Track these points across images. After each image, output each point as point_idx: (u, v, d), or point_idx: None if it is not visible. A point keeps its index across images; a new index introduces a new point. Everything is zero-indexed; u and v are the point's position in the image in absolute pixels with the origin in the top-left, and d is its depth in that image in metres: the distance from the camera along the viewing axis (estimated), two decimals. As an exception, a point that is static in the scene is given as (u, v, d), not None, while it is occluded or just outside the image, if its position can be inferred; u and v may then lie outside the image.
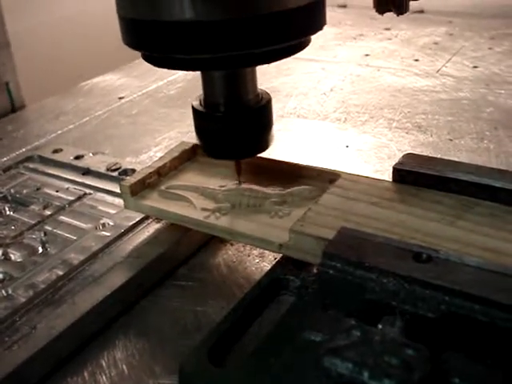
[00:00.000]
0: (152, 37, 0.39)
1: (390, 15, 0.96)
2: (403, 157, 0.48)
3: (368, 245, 0.37)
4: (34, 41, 1.17)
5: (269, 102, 0.47)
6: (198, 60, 0.40)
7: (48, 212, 0.56)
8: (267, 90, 0.48)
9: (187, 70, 0.42)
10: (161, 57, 0.41)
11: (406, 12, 0.51)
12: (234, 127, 0.46)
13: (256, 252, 0.50)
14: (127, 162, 0.64)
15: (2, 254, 0.50)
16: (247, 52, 0.39)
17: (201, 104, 0.47)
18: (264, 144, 0.47)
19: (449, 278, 0.33)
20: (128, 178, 0.53)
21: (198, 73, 0.46)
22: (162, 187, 0.51)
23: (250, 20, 0.37)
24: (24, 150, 0.73)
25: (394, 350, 0.30)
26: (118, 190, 0.53)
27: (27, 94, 0.94)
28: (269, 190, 0.49)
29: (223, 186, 0.50)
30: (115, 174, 0.61)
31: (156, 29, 0.38)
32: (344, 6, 1.35)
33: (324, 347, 0.31)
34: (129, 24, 0.41)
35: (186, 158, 0.55)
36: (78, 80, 0.99)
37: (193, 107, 0.47)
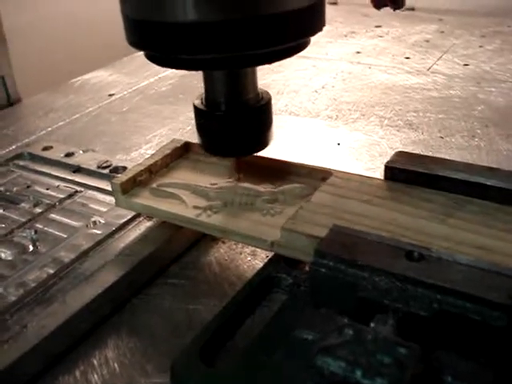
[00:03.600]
0: (156, 37, 0.40)
1: (380, 13, 0.96)
2: (394, 155, 0.48)
3: (360, 243, 0.37)
4: (29, 35, 1.17)
5: (269, 101, 0.47)
6: (202, 60, 0.40)
7: (38, 210, 0.56)
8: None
9: (190, 69, 0.42)
10: (165, 57, 0.41)
11: (402, 7, 0.52)
12: (234, 126, 0.46)
13: (248, 250, 0.50)
14: (118, 160, 0.64)
15: (-7, 253, 0.50)
16: (250, 53, 0.39)
17: (202, 102, 0.47)
18: (264, 142, 0.48)
19: (441, 276, 0.33)
20: (119, 175, 0.53)
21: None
22: (154, 185, 0.51)
23: (252, 21, 0.38)
24: (14, 147, 0.72)
25: (386, 348, 0.30)
26: (109, 188, 0.53)
27: (22, 88, 0.94)
28: (261, 188, 0.49)
29: (215, 184, 0.50)
30: (106, 171, 0.61)
31: (161, 30, 0.39)
32: (335, 3, 1.35)
33: (316, 346, 0.31)
34: (134, 24, 0.41)
35: (177, 156, 0.55)
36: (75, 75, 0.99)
37: (194, 106, 0.47)
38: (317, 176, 0.49)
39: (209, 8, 0.37)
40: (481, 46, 1.01)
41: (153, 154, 0.54)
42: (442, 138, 0.69)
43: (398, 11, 1.20)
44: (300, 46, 0.43)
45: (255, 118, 0.47)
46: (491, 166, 0.46)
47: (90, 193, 0.58)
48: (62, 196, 0.58)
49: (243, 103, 0.46)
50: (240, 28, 0.38)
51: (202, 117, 0.47)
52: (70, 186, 0.60)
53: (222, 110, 0.46)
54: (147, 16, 0.39)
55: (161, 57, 0.42)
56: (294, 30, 0.40)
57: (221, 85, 0.46)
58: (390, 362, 0.29)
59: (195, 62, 0.41)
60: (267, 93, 0.48)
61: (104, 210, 0.55)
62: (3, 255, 0.50)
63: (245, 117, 0.47)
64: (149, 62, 0.44)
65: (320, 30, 0.43)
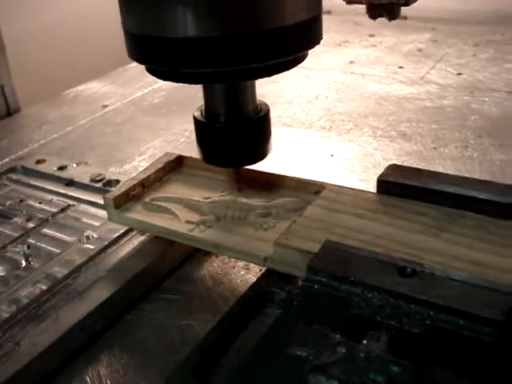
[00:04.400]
0: (157, 52, 0.40)
1: (373, 22, 0.96)
2: (387, 168, 0.47)
3: (352, 259, 0.37)
4: (27, 44, 1.17)
5: (267, 112, 0.48)
6: (202, 74, 0.41)
7: (31, 224, 0.56)
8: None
9: (191, 83, 0.43)
10: (165, 71, 0.42)
11: (397, 17, 0.53)
12: (234, 137, 0.47)
13: (241, 264, 0.50)
14: (111, 173, 0.64)
15: (-15, 269, 0.50)
16: (249, 66, 0.40)
17: (202, 114, 0.48)
18: (263, 152, 0.49)
19: (433, 292, 0.33)
20: (112, 189, 0.52)
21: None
22: (146, 199, 0.51)
23: (251, 36, 0.38)
24: (7, 160, 0.72)
25: (379, 366, 0.30)
26: (102, 202, 0.52)
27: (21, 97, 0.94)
28: (253, 202, 0.48)
29: (208, 198, 0.50)
30: (99, 184, 0.61)
31: (161, 45, 0.40)
32: (329, 13, 1.35)
33: (309, 364, 0.31)
34: (135, 39, 0.42)
35: (170, 169, 0.55)
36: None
37: (194, 118, 0.48)
38: (310, 189, 0.49)
39: (208, 24, 0.38)
40: (474, 55, 1.01)
41: (146, 168, 0.54)
42: (435, 148, 0.69)
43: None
44: (298, 59, 0.43)
45: (254, 129, 0.48)
46: (485, 179, 0.46)
47: (83, 207, 0.58)
48: (54, 210, 0.58)
49: (242, 115, 0.47)
50: (239, 43, 0.38)
51: (202, 128, 0.48)
52: (63, 199, 0.60)
53: (221, 122, 0.47)
54: (148, 31, 0.40)
55: (161, 70, 0.43)
56: (292, 44, 0.41)
57: (220, 97, 0.47)
58: (382, 381, 0.29)
59: (195, 75, 0.42)
60: (266, 104, 0.49)
61: (97, 224, 0.55)
62: (-4, 271, 0.50)
63: (244, 128, 0.47)
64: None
65: (318, 43, 0.43)
